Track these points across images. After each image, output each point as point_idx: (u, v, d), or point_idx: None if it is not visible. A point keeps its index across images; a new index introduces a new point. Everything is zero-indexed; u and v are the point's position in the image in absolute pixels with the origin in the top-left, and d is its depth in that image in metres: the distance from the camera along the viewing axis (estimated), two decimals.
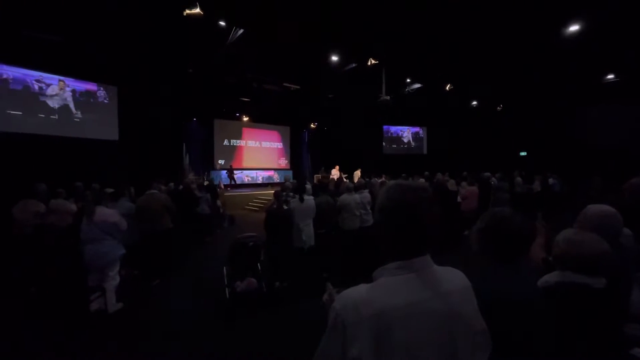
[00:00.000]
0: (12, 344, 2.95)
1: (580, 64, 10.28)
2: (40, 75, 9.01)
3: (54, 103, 9.26)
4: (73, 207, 4.70)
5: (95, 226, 3.57)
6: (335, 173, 12.57)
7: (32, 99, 8.87)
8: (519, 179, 7.99)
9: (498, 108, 15.89)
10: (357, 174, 12.74)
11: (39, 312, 3.27)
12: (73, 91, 9.69)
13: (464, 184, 7.37)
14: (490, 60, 10.16)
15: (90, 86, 10.08)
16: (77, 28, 7.88)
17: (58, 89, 9.31)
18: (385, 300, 0.70)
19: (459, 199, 6.97)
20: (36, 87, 8.94)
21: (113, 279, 3.73)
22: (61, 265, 3.53)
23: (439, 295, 0.73)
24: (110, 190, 4.86)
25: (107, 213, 3.71)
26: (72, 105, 9.64)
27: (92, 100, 10.12)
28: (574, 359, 1.07)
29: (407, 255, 0.75)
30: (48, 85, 9.18)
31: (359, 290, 0.74)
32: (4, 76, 8.35)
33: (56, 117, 9.32)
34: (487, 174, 7.97)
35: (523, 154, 15.98)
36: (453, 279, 0.79)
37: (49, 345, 2.96)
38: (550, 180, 9.06)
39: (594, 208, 1.57)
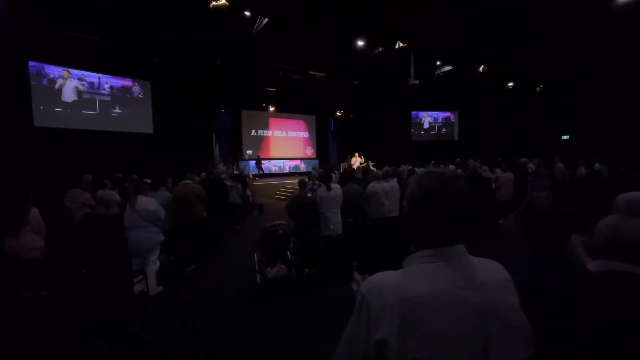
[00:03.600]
0: (66, 320, 3.25)
1: (631, 35, 9.25)
2: (82, 74, 9.59)
3: (68, 96, 9.43)
4: (118, 197, 5.06)
5: (137, 214, 3.81)
6: (355, 161, 12.38)
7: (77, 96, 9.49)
8: (560, 164, 7.48)
9: (537, 89, 14.82)
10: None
11: (91, 291, 3.57)
12: (111, 87, 10.25)
13: (498, 170, 7.00)
14: (529, 36, 9.42)
15: (126, 82, 10.61)
16: (111, 27, 8.27)
17: (62, 80, 9.35)
18: (412, 287, 0.68)
19: (493, 186, 6.65)
20: (79, 86, 9.55)
21: (154, 263, 3.99)
22: (109, 250, 3.81)
23: (472, 285, 0.69)
24: (148, 180, 5.15)
25: (147, 202, 3.95)
26: (79, 95, 9.65)
27: (127, 95, 10.67)
28: (624, 354, 1.00)
29: (438, 244, 0.73)
30: (90, 84, 9.79)
31: (386, 275, 0.73)
32: (51, 76, 8.98)
33: (97, 112, 9.93)
34: (524, 159, 7.54)
35: (565, 137, 14.89)
36: (489, 270, 0.74)
37: (99, 322, 3.24)
38: (597, 166, 8.42)
39: (623, 195, 1.50)
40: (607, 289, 1.03)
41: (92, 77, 9.82)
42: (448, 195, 0.72)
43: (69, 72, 9.32)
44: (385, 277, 0.73)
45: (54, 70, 9.00)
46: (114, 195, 5.21)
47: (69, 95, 9.32)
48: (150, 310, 3.61)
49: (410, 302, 0.66)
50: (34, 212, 3.71)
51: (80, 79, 9.57)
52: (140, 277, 3.86)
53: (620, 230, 1.13)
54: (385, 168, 5.26)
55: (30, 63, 8.27)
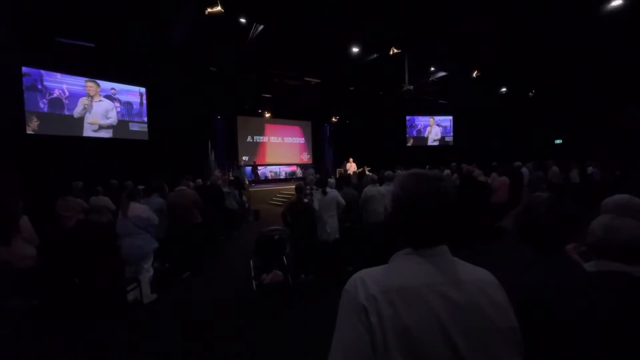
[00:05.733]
0: (58, 330, 3.18)
1: (623, 41, 9.43)
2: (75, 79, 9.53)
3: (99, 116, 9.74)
4: (111, 203, 5.00)
5: (129, 221, 3.76)
6: (350, 166, 12.45)
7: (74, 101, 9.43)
8: (555, 168, 7.56)
9: (530, 94, 15.02)
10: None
11: (83, 300, 3.50)
12: (107, 95, 10.21)
13: (493, 174, 7.05)
14: (520, 41, 9.56)
15: (122, 88, 10.55)
16: (106, 33, 8.27)
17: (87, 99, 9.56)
18: (394, 279, 0.69)
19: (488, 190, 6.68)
20: (71, 91, 9.48)
21: (147, 271, 3.93)
22: (102, 258, 3.75)
23: (454, 282, 0.69)
24: (141, 187, 5.11)
25: (139, 209, 3.89)
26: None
27: (123, 102, 10.60)
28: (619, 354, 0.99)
29: (421, 245, 0.74)
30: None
31: (370, 270, 0.74)
32: (54, 92, 8.91)
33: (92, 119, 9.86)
34: (518, 163, 7.61)
35: (558, 142, 15.07)
36: (473, 271, 0.74)
37: (92, 331, 3.17)
38: (589, 170, 8.52)
39: (610, 198, 1.51)
40: (601, 289, 1.02)
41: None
42: (430, 196, 0.73)
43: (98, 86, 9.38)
44: (367, 271, 0.74)
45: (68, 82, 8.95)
46: (107, 201, 5.15)
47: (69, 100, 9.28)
48: (144, 319, 3.54)
49: (392, 293, 0.67)
50: (25, 220, 3.64)
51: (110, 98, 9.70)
52: (134, 284, 3.80)
53: (612, 229, 1.13)
54: (388, 172, 5.30)
55: (24, 69, 8.21)
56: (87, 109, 9.43)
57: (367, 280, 0.70)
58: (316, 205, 4.35)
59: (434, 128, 18.25)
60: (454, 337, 0.64)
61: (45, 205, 4.75)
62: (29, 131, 8.35)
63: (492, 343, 0.66)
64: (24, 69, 8.18)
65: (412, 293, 0.67)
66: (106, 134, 9.98)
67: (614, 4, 7.42)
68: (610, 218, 1.18)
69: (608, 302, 0.98)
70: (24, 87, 8.18)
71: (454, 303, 0.67)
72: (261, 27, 8.30)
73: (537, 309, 0.86)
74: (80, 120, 9.39)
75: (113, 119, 10.10)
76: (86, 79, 9.47)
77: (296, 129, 17.66)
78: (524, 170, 7.43)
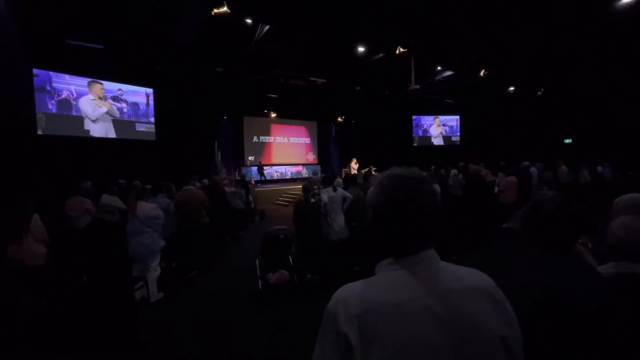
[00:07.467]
0: (67, 328, 3.22)
1: (634, 38, 9.25)
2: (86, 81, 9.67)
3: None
4: (121, 203, 5.04)
5: (137, 220, 3.79)
6: (353, 166, 12.43)
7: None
8: (564, 167, 7.45)
9: (538, 93, 14.81)
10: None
11: (91, 298, 3.54)
12: (114, 96, 10.34)
13: (501, 174, 6.96)
14: (529, 39, 9.43)
15: (129, 89, 10.67)
16: (114, 34, 8.37)
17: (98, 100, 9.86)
18: (374, 297, 0.64)
19: (495, 190, 6.60)
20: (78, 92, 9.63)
21: (154, 269, 3.96)
22: (112, 257, 3.79)
23: (437, 293, 0.64)
24: (148, 187, 5.15)
25: (147, 207, 3.94)
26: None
27: (130, 102, 10.73)
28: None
29: (405, 251, 0.69)
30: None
31: (351, 287, 0.69)
32: (63, 93, 9.05)
33: (101, 119, 10.00)
34: (526, 163, 7.51)
35: (567, 141, 14.83)
36: (463, 277, 0.68)
37: (99, 330, 3.20)
38: (599, 169, 8.38)
39: (622, 198, 1.48)
40: (622, 291, 1.00)
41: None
42: (412, 199, 0.68)
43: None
44: (349, 289, 0.69)
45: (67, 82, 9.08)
46: (117, 201, 5.19)
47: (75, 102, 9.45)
48: (151, 317, 3.58)
49: (373, 313, 0.62)
50: (36, 219, 3.70)
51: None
52: (141, 283, 3.83)
53: (633, 230, 1.10)
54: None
55: (35, 71, 8.35)
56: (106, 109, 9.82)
57: (349, 300, 0.65)
58: (325, 199, 4.35)
59: (437, 128, 18.13)
60: (442, 353, 0.60)
61: (55, 205, 4.81)
62: (39, 132, 8.50)
63: (482, 354, 0.62)
64: (34, 71, 8.32)
65: (396, 310, 0.62)
66: (113, 133, 10.10)
67: (624, 0, 7.28)
68: (631, 219, 1.15)
69: (628, 304, 0.95)
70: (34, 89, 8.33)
71: (438, 317, 0.62)
72: (267, 27, 8.33)
73: (550, 309, 0.84)
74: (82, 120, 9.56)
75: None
76: (97, 80, 9.61)
77: (302, 129, 17.67)
78: (533, 169, 7.33)
